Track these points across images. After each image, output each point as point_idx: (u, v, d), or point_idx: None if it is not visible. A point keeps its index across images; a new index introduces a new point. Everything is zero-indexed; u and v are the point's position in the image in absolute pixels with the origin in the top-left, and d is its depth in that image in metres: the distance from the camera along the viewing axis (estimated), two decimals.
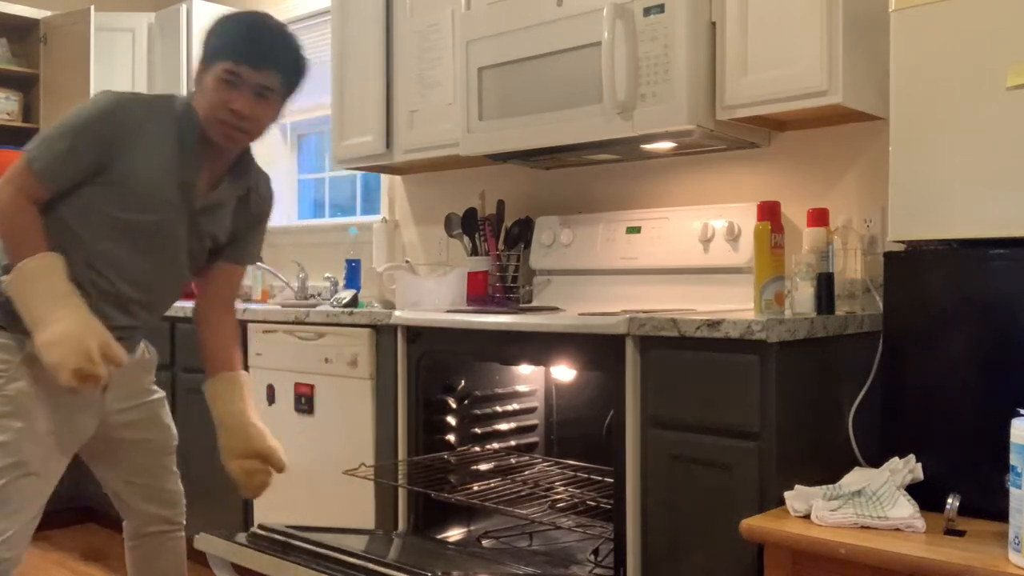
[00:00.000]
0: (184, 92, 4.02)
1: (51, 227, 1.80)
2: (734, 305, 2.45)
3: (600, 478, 2.54)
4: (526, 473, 2.66)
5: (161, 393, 2.17)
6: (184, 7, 4.01)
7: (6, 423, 1.77)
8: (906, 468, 1.80)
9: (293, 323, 2.86)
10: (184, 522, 2.23)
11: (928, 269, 1.87)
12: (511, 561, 2.35)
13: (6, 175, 1.78)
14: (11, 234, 1.77)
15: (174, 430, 2.21)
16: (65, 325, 1.69)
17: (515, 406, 2.88)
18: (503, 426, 2.84)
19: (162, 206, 1.86)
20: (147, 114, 1.83)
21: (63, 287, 1.74)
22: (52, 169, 1.77)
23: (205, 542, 2.30)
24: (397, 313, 2.56)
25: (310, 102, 4.11)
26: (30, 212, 1.78)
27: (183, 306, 3.31)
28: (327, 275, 3.73)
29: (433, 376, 2.59)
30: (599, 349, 2.10)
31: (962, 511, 1.70)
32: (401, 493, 2.57)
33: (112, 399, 2.00)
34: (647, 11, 2.29)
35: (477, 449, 2.75)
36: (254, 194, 2.04)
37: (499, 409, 2.83)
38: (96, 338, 1.71)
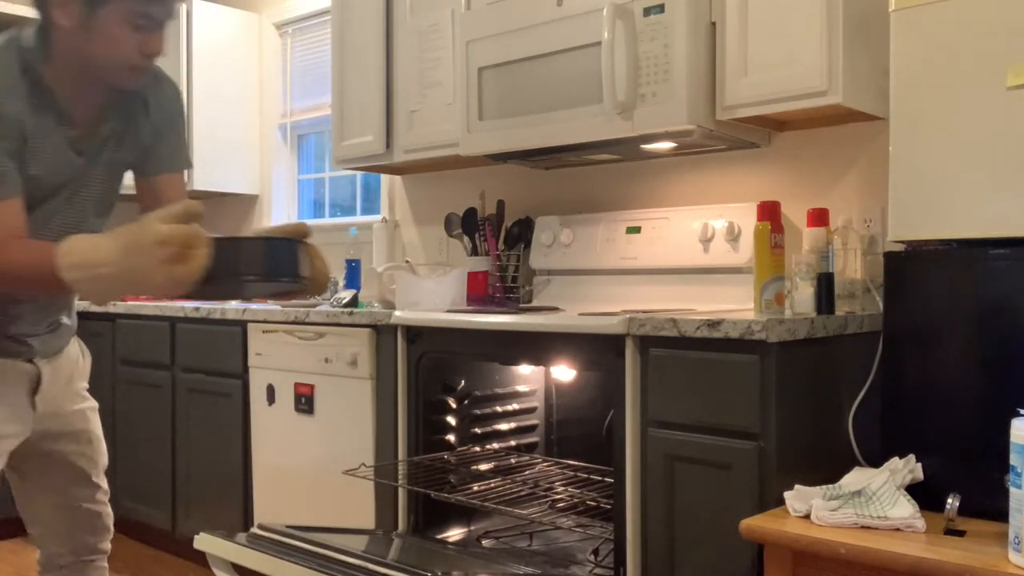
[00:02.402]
0: (184, 93, 4.02)
1: None
2: (734, 305, 2.45)
3: (600, 478, 2.54)
4: (526, 473, 2.66)
5: (94, 403, 1.97)
6: (184, 7, 4.00)
7: None
8: (906, 468, 1.80)
9: (293, 323, 2.86)
10: (109, 551, 2.02)
11: (928, 269, 1.86)
12: (511, 561, 2.35)
13: None
14: (23, 275, 1.53)
15: (104, 445, 2.00)
16: (127, 270, 1.38)
17: (515, 406, 2.88)
18: (503, 426, 2.84)
19: (61, 183, 1.68)
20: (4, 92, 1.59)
21: (96, 246, 1.42)
22: (6, 181, 1.55)
23: (205, 542, 2.30)
24: (397, 313, 2.56)
25: (310, 102, 4.12)
26: (13, 243, 1.54)
27: (183, 306, 3.31)
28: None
29: (433, 376, 2.59)
30: (599, 349, 2.10)
31: (962, 511, 1.70)
32: (401, 493, 2.57)
33: (42, 404, 1.81)
34: (647, 11, 2.29)
35: (477, 449, 2.75)
36: (145, 102, 1.80)
37: (499, 409, 2.83)
38: (141, 237, 1.37)
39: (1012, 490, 1.51)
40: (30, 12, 1.68)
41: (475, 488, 2.51)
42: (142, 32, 1.59)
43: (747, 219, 2.44)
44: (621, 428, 2.05)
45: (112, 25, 1.57)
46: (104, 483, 1.99)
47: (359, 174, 3.94)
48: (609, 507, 2.18)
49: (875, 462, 1.91)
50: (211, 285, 1.43)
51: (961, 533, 1.67)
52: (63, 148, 1.67)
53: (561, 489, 2.50)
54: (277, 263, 1.48)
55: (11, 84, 1.59)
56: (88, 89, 1.68)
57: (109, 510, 2.00)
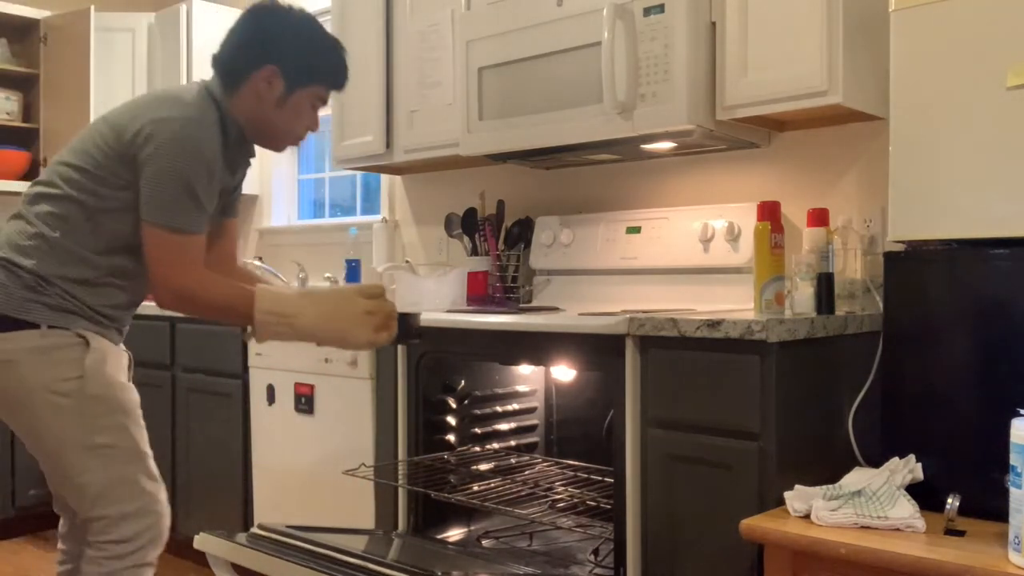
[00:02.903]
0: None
1: (103, 233, 1.78)
2: (734, 305, 2.45)
3: (600, 478, 2.54)
4: (526, 473, 2.66)
5: None
6: (184, 7, 4.00)
7: (116, 420, 1.78)
8: (906, 468, 1.80)
9: None
10: None
11: (928, 269, 1.87)
12: (511, 561, 2.35)
13: (164, 260, 1.75)
14: (221, 307, 1.81)
15: None
16: (322, 318, 1.81)
17: (515, 406, 2.88)
18: (503, 426, 2.84)
19: (212, 213, 1.91)
20: (215, 140, 1.83)
21: (288, 301, 1.82)
22: (199, 219, 1.79)
23: (205, 542, 2.30)
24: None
25: None
26: (215, 278, 1.83)
27: None
28: (327, 275, 3.72)
29: (433, 376, 2.59)
30: (599, 349, 2.10)
31: (962, 511, 1.69)
32: (401, 493, 2.57)
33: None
34: (647, 11, 2.29)
35: (477, 449, 2.75)
36: None
37: (499, 409, 2.83)
38: (349, 305, 1.81)
39: (1012, 490, 1.51)
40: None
41: (475, 488, 2.51)
42: (315, 112, 1.93)
43: (747, 219, 2.44)
44: (621, 428, 2.05)
45: (302, 103, 1.89)
46: None
47: (359, 174, 3.94)
48: (609, 507, 2.18)
49: (875, 462, 1.92)
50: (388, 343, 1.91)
51: (961, 533, 1.67)
52: (217, 192, 1.91)
53: (561, 489, 2.50)
54: (423, 330, 2.04)
55: (215, 133, 1.83)
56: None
57: None
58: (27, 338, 1.71)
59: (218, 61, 1.90)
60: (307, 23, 1.89)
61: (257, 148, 2.02)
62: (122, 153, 1.77)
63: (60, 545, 2.04)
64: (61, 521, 2.04)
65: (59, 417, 1.74)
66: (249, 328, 1.83)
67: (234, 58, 1.88)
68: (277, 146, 1.97)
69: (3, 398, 1.75)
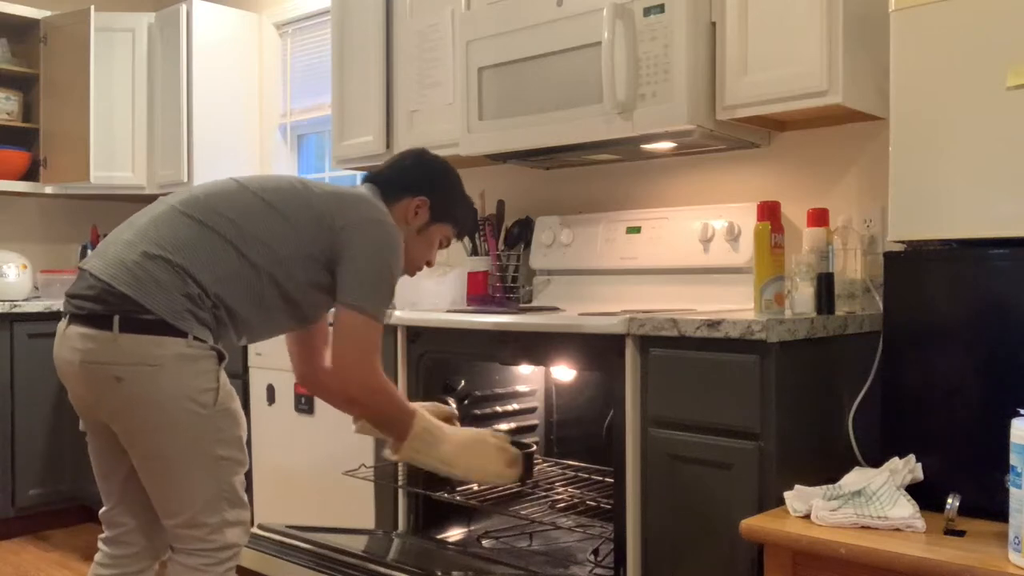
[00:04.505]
0: (185, 93, 4.01)
1: (267, 286, 1.85)
2: (734, 305, 2.45)
3: (600, 478, 2.54)
4: None
5: None
6: (184, 7, 4.00)
7: (237, 434, 1.85)
8: (906, 468, 1.80)
9: None
10: None
11: (928, 269, 1.87)
12: (511, 561, 2.35)
13: (358, 343, 1.85)
14: (394, 411, 1.95)
15: None
16: (464, 453, 1.99)
17: (515, 406, 2.88)
18: (503, 426, 2.84)
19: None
20: None
21: (438, 426, 1.99)
22: (387, 309, 1.93)
23: None
24: (397, 313, 2.56)
25: (310, 102, 4.12)
26: (391, 385, 1.96)
27: None
28: None
29: (433, 376, 2.59)
30: (599, 349, 2.10)
31: (962, 511, 1.69)
32: (401, 493, 2.56)
33: None
34: (647, 11, 2.29)
35: None
36: None
37: (499, 409, 2.83)
38: (485, 440, 2.02)
39: (1012, 490, 1.51)
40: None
41: (475, 488, 2.51)
42: (439, 248, 2.11)
43: (747, 219, 2.44)
44: (621, 428, 2.05)
45: (434, 235, 2.07)
46: None
47: (359, 174, 3.94)
48: (609, 507, 2.18)
49: (875, 462, 1.91)
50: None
51: (961, 533, 1.67)
52: None
53: (561, 489, 2.50)
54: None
55: None
56: None
57: None
58: (175, 345, 1.74)
59: (379, 178, 2.06)
60: (457, 176, 2.11)
61: None
62: (320, 237, 1.86)
63: (108, 550, 1.95)
64: (111, 531, 1.96)
65: (193, 425, 1.76)
66: (391, 440, 2.00)
67: (399, 178, 2.04)
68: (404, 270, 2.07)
69: (135, 403, 1.74)
